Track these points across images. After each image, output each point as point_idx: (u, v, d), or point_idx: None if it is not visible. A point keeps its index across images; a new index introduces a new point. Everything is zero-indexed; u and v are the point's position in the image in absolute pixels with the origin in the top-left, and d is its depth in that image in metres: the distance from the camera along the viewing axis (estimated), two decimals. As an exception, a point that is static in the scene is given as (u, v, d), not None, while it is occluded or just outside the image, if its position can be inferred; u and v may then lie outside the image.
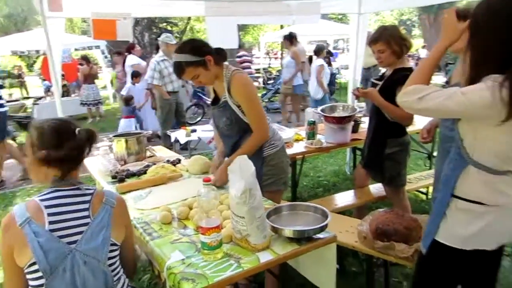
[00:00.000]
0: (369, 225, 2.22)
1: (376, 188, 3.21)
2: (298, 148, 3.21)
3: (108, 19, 3.26)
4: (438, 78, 10.26)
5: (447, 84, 2.26)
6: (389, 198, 2.91)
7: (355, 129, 3.41)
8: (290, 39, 6.93)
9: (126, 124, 6.35)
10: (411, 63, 4.11)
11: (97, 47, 11.14)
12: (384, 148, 2.71)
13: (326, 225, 1.63)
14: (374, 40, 2.65)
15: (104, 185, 2.38)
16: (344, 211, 3.07)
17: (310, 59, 13.64)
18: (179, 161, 2.77)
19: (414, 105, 1.41)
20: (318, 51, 6.97)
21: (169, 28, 16.03)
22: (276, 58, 23.12)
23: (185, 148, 4.86)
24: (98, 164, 2.78)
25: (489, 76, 1.29)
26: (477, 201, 1.41)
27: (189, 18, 16.48)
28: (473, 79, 1.34)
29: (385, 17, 28.48)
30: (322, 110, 3.26)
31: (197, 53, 2.12)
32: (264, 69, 15.60)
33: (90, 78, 9.23)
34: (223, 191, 2.10)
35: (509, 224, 1.45)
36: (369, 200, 3.16)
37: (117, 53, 8.36)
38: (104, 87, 12.57)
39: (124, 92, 6.85)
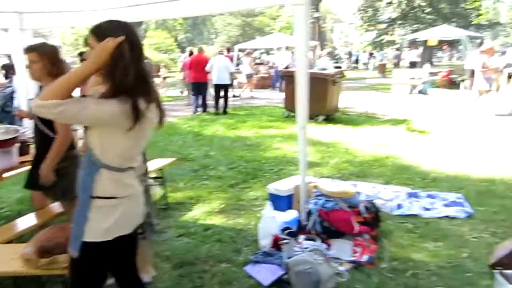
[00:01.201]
0: (33, 246, 2.22)
1: (58, 205, 3.18)
2: None
3: None
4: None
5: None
6: (66, 212, 2.96)
7: (24, 151, 3.25)
8: None
9: None
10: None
11: None
12: (51, 164, 2.73)
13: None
14: (30, 48, 2.63)
15: None
16: (24, 237, 2.91)
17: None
18: None
19: (56, 117, 1.56)
20: None
21: None
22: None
23: None
24: None
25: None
26: (111, 197, 1.68)
27: None
28: (108, 94, 1.58)
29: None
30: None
31: None
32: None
33: None
34: None
35: (137, 208, 1.81)
36: (50, 219, 3.11)
37: None
38: None
39: None
